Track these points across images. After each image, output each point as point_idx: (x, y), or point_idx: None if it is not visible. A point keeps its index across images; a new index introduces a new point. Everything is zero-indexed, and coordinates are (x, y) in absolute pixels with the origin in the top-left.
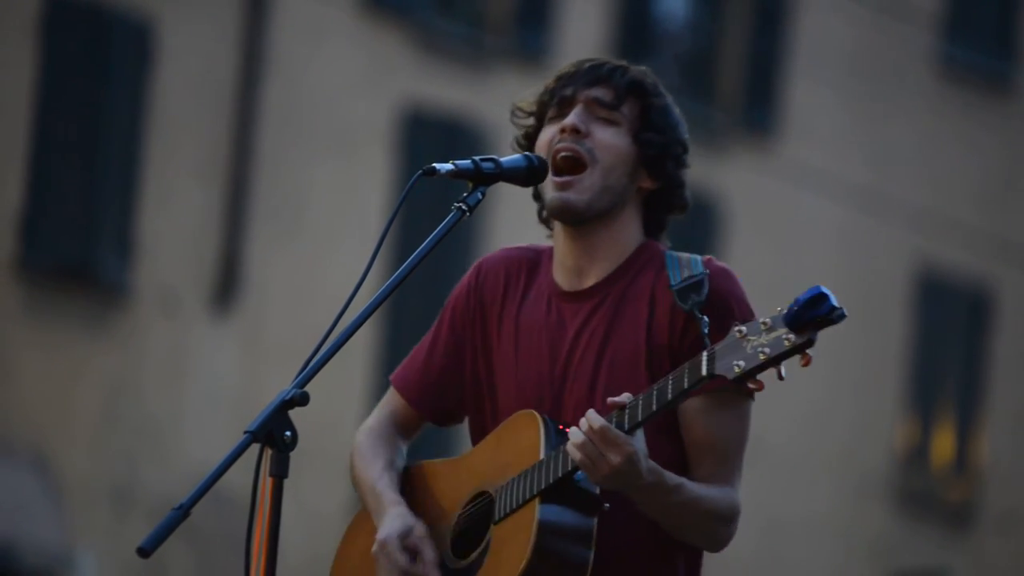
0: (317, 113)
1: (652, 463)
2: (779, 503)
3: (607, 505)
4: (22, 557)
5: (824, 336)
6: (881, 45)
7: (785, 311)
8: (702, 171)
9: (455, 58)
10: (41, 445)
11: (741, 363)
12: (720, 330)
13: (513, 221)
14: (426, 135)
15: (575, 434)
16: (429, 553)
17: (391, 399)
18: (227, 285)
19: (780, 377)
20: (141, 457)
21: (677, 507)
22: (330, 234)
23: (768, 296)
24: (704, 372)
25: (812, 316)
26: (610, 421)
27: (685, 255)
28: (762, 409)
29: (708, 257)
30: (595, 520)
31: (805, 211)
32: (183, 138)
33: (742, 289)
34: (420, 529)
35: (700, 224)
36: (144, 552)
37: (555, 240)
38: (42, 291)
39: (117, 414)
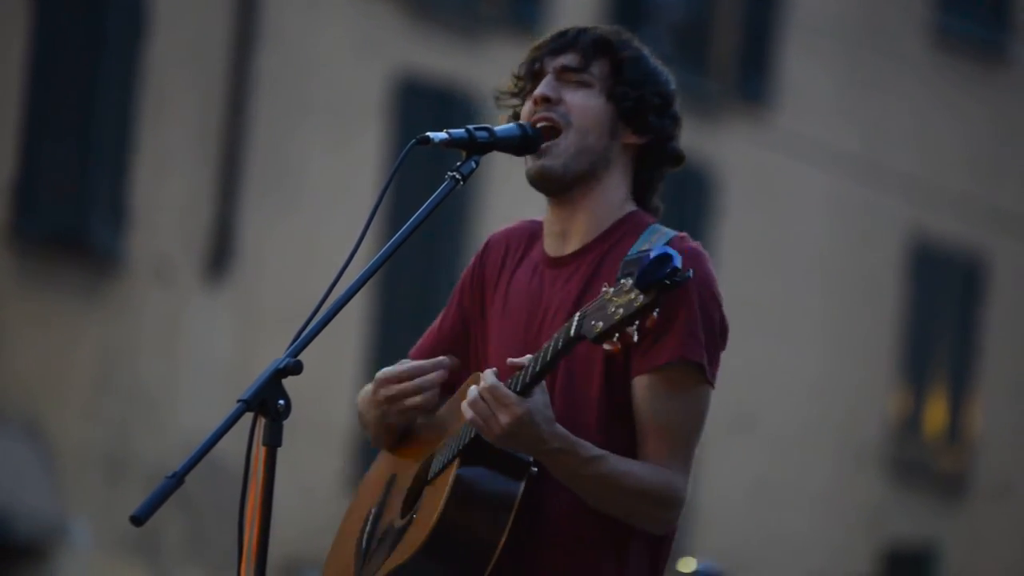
0: (311, 82)
1: (560, 429)
2: (772, 473)
3: (535, 470)
4: (15, 525)
5: (817, 306)
6: (875, 15)
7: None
8: (696, 141)
9: (449, 27)
10: (34, 413)
11: (601, 323)
12: (663, 307)
13: (509, 192)
14: (420, 104)
15: (471, 392)
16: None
17: None
18: (221, 254)
19: (632, 340)
20: (134, 425)
21: (594, 480)
22: (324, 203)
23: (762, 266)
24: (572, 333)
25: (656, 277)
26: (509, 383)
27: (663, 230)
28: (755, 379)
29: (682, 235)
30: (521, 484)
31: (798, 181)
32: (177, 107)
33: (704, 273)
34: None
35: (694, 194)
36: (137, 520)
37: (546, 210)
38: (35, 260)
39: (110, 383)
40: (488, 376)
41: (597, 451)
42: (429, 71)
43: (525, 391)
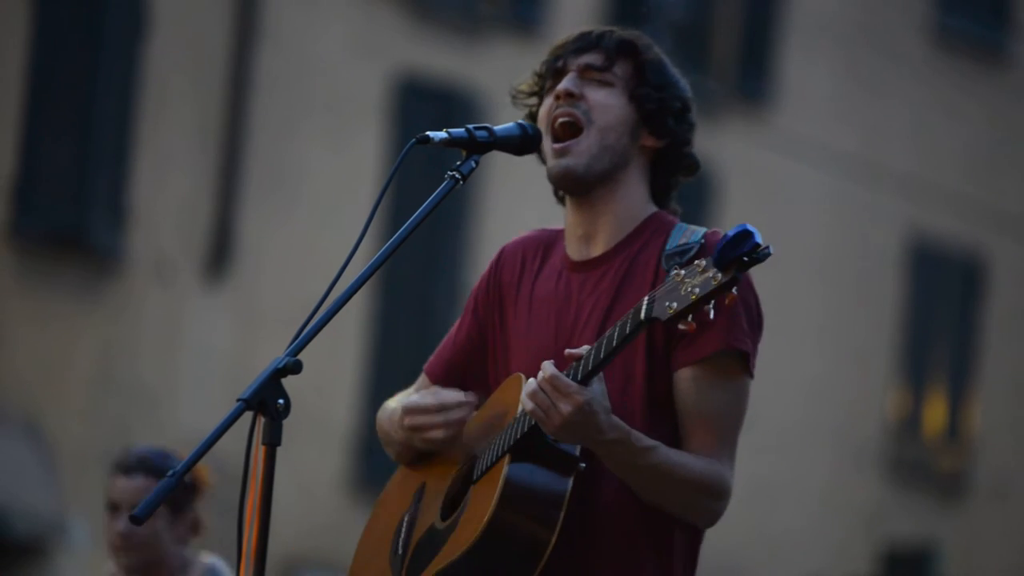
0: (311, 81)
1: (617, 420)
2: (771, 472)
3: (583, 465)
4: (14, 524)
5: (816, 305)
6: (875, 14)
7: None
8: (695, 140)
9: (449, 27)
10: (34, 412)
11: (674, 304)
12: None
13: (508, 191)
14: (420, 104)
15: (529, 384)
16: (444, 393)
17: (420, 382)
18: (221, 253)
19: (708, 317)
20: (134, 424)
21: (649, 470)
22: (324, 202)
23: (761, 266)
24: (643, 316)
25: (736, 254)
26: (568, 373)
27: (693, 227)
28: (754, 378)
29: (714, 230)
30: (570, 480)
31: (798, 180)
32: (177, 106)
33: None
34: (424, 392)
35: (693, 193)
36: (137, 519)
37: (566, 213)
38: (35, 258)
39: (110, 381)
40: (548, 366)
41: (651, 441)
42: (429, 71)
43: (586, 380)
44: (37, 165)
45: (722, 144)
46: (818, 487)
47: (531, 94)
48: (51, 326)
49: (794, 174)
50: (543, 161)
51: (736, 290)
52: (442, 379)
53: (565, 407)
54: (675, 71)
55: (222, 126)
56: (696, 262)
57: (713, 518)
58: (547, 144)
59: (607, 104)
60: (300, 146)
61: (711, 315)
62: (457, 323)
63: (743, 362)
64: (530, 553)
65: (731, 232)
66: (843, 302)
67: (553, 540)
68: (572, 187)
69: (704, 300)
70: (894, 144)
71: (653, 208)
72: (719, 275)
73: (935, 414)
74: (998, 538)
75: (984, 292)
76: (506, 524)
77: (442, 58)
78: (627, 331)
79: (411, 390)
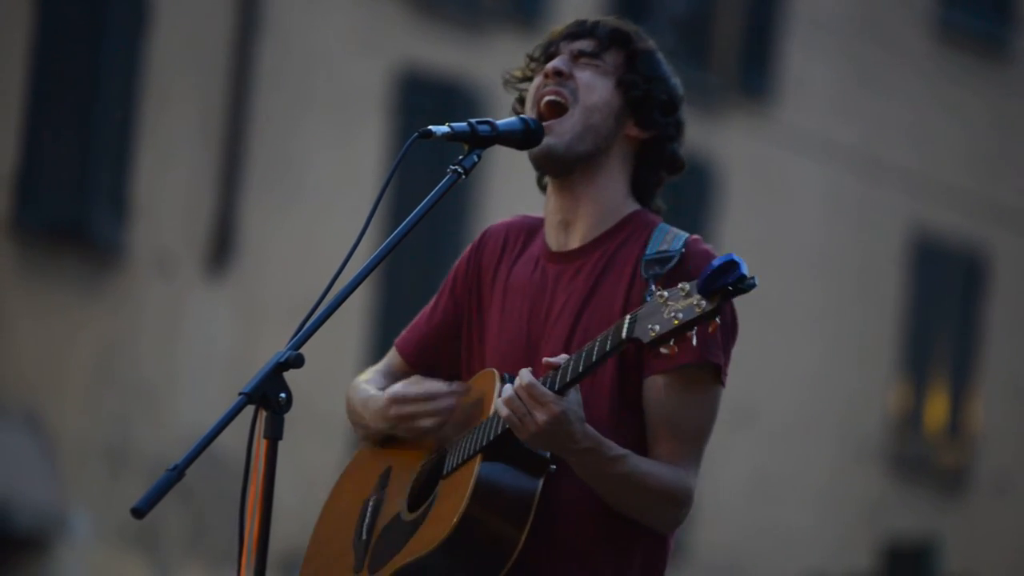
0: (313, 75)
1: (590, 429)
2: (773, 467)
3: (554, 467)
4: (15, 517)
5: (818, 300)
6: (878, 9)
7: (699, 278)
8: (697, 135)
9: (451, 21)
10: (35, 405)
11: (657, 327)
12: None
13: (511, 186)
14: (422, 98)
15: (506, 391)
16: (429, 382)
17: (390, 356)
18: (222, 247)
19: (693, 344)
20: (135, 418)
21: (617, 479)
22: (326, 196)
23: (762, 261)
24: (624, 335)
25: (721, 284)
26: (544, 382)
27: (675, 231)
28: (756, 373)
29: (696, 237)
30: (539, 481)
31: (800, 176)
32: (179, 99)
33: None
34: (402, 383)
35: (695, 188)
36: (138, 513)
37: (546, 200)
38: (36, 251)
39: (111, 375)
40: (525, 374)
41: (621, 450)
42: (431, 65)
43: (563, 390)
44: (39, 158)
45: (724, 139)
46: (819, 482)
47: (523, 79)
48: (52, 319)
49: (796, 169)
50: None
51: (718, 317)
52: (414, 357)
53: (540, 416)
54: (668, 67)
55: (224, 120)
56: (680, 286)
57: (674, 524)
58: None
59: (593, 84)
60: (302, 140)
61: (693, 341)
62: (434, 300)
63: (715, 373)
64: (498, 552)
65: (717, 261)
66: (845, 297)
67: (522, 540)
68: (552, 167)
69: (687, 327)
70: (896, 139)
71: (635, 205)
72: (703, 303)
73: (936, 409)
74: (999, 533)
75: (986, 287)
76: (476, 522)
77: (444, 52)
78: (607, 348)
79: (381, 365)
